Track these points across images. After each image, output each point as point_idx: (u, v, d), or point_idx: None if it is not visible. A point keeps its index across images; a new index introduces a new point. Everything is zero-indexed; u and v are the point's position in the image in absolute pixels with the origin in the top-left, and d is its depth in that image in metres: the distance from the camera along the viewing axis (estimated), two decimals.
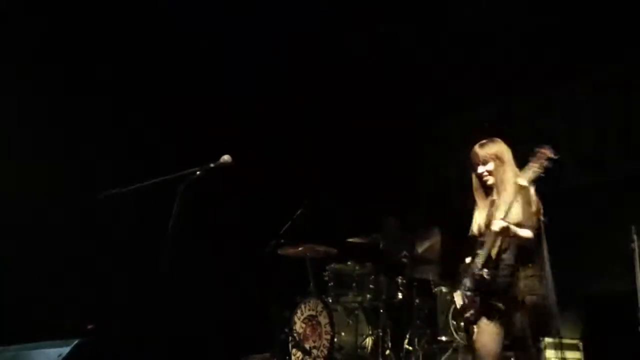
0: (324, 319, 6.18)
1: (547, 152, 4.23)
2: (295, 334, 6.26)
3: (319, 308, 6.25)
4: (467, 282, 4.35)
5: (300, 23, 7.25)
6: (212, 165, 4.00)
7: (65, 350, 1.78)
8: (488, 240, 4.23)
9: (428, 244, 6.66)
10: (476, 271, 4.24)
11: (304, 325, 6.31)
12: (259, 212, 7.56)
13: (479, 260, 4.24)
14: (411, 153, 8.27)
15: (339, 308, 6.35)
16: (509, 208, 4.16)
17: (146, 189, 4.06)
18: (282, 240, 6.08)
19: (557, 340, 6.04)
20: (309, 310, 6.33)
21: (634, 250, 5.38)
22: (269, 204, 7.43)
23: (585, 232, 6.63)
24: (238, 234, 7.53)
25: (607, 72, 6.76)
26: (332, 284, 6.66)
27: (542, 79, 7.11)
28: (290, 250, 6.48)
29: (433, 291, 6.29)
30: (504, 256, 4.19)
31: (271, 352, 6.35)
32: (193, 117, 7.43)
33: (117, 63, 7.02)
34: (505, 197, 4.26)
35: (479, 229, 4.44)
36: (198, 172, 3.96)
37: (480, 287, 4.24)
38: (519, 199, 4.20)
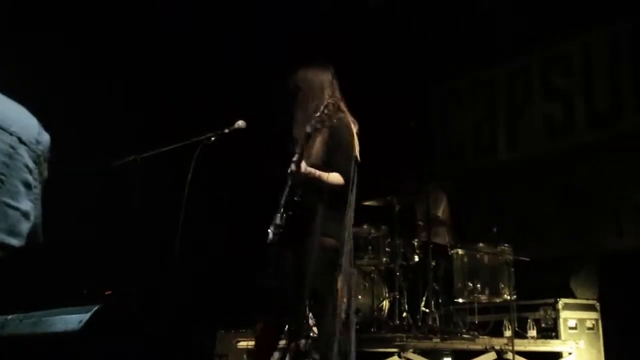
0: (341, 282, 6.17)
1: None
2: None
3: None
4: (277, 219, 3.85)
5: None
6: (226, 130, 3.96)
7: (86, 316, 1.79)
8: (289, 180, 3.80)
9: (442, 206, 6.63)
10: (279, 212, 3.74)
11: None
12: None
13: (281, 200, 3.79)
14: (424, 112, 8.16)
15: (355, 271, 6.34)
16: (315, 147, 3.82)
17: (160, 157, 4.03)
18: None
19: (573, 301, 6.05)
20: None
21: None
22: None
23: (599, 189, 6.55)
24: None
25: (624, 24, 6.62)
26: None
27: (557, 33, 6.99)
28: None
29: (449, 253, 6.28)
30: (307, 197, 3.77)
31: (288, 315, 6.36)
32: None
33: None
34: (306, 130, 3.74)
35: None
36: (212, 138, 3.93)
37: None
38: (326, 138, 3.84)
